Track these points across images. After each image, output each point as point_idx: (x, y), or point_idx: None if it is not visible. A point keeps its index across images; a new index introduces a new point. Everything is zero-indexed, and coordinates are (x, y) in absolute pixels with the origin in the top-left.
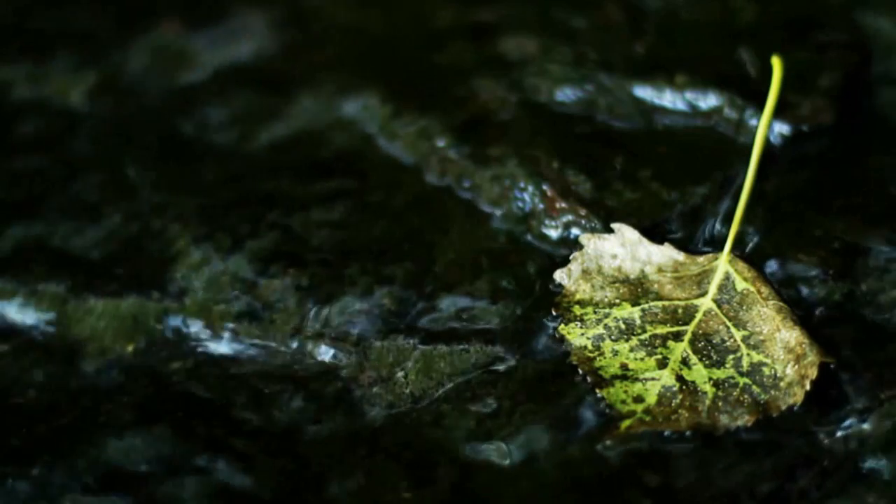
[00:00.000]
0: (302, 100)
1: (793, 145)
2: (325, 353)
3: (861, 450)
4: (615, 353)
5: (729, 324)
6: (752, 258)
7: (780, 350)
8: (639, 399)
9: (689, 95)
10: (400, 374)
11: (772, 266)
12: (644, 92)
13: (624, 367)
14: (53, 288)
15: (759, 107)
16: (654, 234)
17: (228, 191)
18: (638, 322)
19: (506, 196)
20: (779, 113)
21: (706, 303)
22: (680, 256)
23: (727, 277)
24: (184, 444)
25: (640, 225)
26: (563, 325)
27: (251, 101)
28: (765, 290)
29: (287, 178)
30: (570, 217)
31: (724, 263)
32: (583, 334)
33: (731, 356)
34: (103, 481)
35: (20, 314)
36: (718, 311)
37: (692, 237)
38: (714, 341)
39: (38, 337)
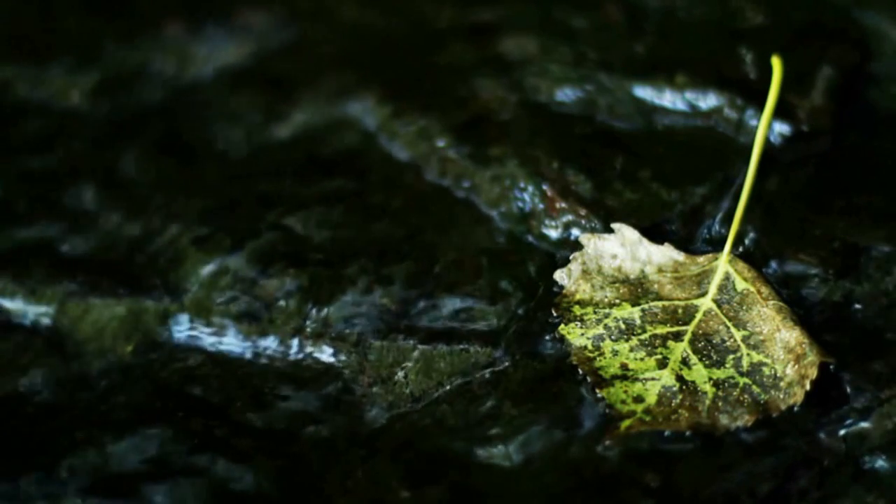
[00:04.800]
0: (302, 100)
1: (793, 145)
2: (325, 353)
3: (861, 450)
4: (615, 353)
5: (729, 324)
6: (752, 258)
7: (780, 350)
8: (639, 399)
9: (689, 95)
10: (400, 374)
11: (772, 266)
12: (644, 92)
13: (624, 367)
14: (53, 288)
15: (759, 107)
16: (654, 234)
17: (228, 191)
18: (638, 322)
19: (506, 196)
20: (779, 113)
21: (706, 303)
22: (680, 256)
23: (727, 277)
24: (184, 445)
25: (640, 225)
26: (563, 325)
27: (252, 100)
28: (765, 290)
29: (287, 178)
30: (570, 217)
31: (724, 263)
32: (583, 334)
33: (731, 356)
34: (103, 481)
35: (20, 314)
36: (718, 311)
37: (692, 237)
38: (714, 341)
39: (38, 337)
